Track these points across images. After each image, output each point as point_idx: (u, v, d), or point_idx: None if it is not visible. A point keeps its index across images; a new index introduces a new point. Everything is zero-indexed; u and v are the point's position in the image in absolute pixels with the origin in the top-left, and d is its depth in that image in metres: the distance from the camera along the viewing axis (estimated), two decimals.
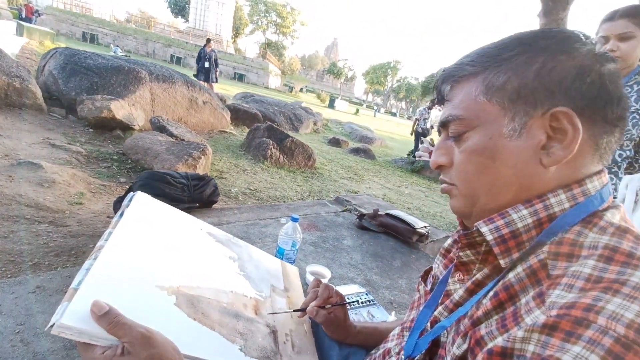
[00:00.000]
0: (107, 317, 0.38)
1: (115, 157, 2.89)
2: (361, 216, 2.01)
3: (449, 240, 0.52)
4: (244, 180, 3.31)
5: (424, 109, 7.42)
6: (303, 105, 10.36)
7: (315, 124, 8.81)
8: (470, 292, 0.40)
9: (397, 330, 0.56)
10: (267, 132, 4.46)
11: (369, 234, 1.86)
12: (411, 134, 7.97)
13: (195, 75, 8.33)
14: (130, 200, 0.60)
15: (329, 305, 0.62)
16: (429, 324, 0.44)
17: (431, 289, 0.50)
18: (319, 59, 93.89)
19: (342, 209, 2.17)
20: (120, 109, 3.46)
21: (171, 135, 3.34)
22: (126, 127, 3.52)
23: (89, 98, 3.38)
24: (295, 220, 1.12)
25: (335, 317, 0.62)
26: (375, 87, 65.83)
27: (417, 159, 6.86)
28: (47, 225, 1.67)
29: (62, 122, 3.39)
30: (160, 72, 4.49)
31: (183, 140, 3.29)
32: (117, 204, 1.63)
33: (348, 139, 8.51)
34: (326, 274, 1.27)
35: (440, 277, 0.49)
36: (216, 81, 8.74)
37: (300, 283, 0.84)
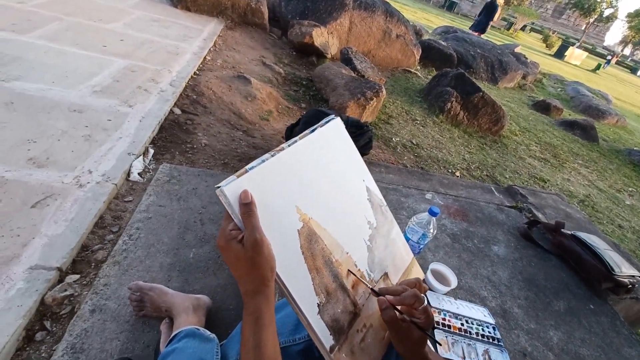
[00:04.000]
0: (245, 207, 0.44)
1: (304, 83, 3.22)
2: (533, 223, 1.56)
3: None
4: (409, 131, 3.11)
5: None
6: (518, 49, 8.32)
7: (524, 77, 7.03)
8: None
9: None
10: (455, 81, 3.88)
11: (534, 250, 1.44)
12: None
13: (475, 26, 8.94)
14: (327, 122, 0.63)
15: (403, 315, 0.51)
16: None
17: None
18: None
19: (510, 204, 1.74)
20: (319, 36, 3.70)
21: (354, 69, 3.38)
22: (320, 55, 3.79)
23: (298, 23, 3.74)
24: (434, 214, 0.95)
25: (407, 331, 0.51)
26: None
27: None
28: (241, 133, 2.10)
29: (276, 43, 3.96)
30: None
31: (363, 76, 3.28)
32: (289, 131, 1.83)
33: (565, 106, 6.46)
34: (451, 279, 1.08)
35: None
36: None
37: None
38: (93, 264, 1.08)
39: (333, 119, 0.64)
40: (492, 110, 3.73)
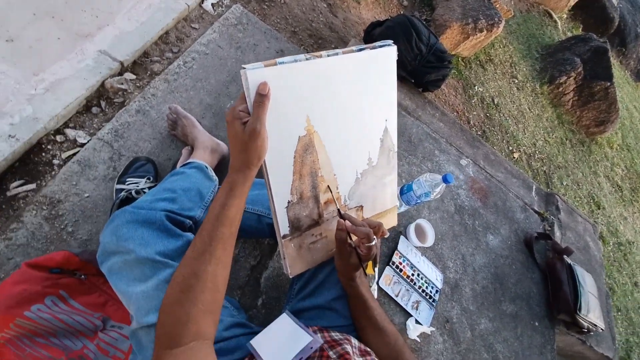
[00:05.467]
0: (259, 97, 0.46)
1: None
2: (544, 236, 1.52)
3: None
4: (498, 87, 2.73)
5: None
6: None
7: None
8: None
9: None
10: (590, 55, 3.14)
11: (526, 257, 1.45)
12: None
13: None
14: (380, 47, 0.59)
15: (353, 244, 0.60)
16: None
17: None
18: None
19: (538, 210, 1.66)
20: None
21: None
22: None
23: None
24: (446, 182, 0.95)
25: (348, 255, 0.62)
26: None
27: None
28: (325, 5, 1.92)
29: None
30: None
31: None
32: (371, 28, 1.66)
33: None
34: (428, 237, 1.15)
35: None
36: None
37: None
38: (148, 72, 1.21)
39: (389, 45, 0.59)
40: (605, 108, 3.12)
